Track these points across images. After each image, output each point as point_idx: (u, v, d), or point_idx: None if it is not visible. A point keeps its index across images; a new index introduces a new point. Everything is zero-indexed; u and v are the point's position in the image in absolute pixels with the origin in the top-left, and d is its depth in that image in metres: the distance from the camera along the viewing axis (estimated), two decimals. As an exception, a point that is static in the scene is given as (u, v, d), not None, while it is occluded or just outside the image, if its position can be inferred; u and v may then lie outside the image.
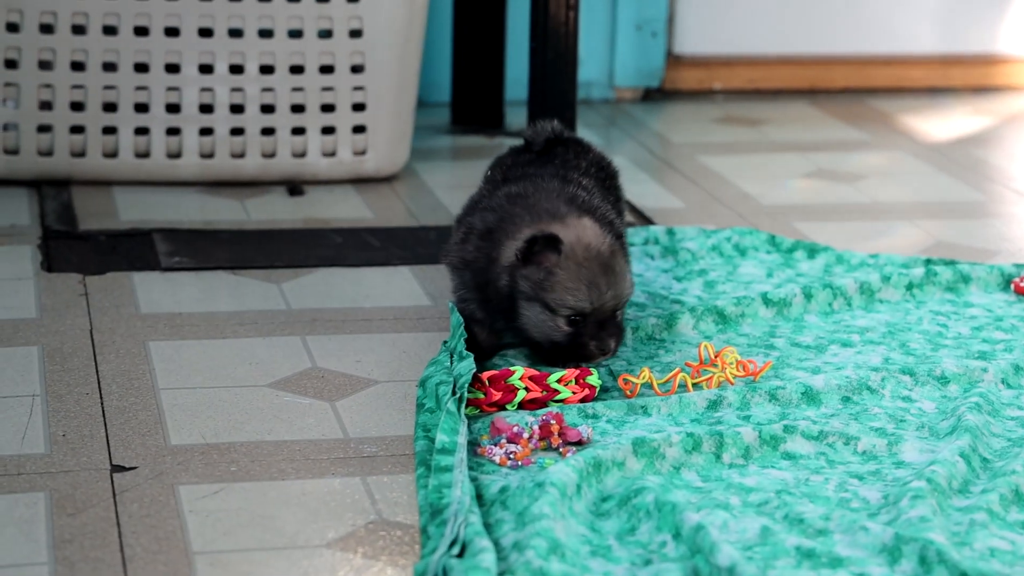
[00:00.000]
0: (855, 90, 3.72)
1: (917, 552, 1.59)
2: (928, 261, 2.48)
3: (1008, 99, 3.69)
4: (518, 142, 2.31)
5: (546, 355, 2.04)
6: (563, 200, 2.09)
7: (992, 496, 1.72)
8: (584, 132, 3.25)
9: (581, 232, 2.01)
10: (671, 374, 2.02)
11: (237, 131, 2.85)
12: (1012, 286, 2.40)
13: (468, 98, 3.32)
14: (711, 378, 2.03)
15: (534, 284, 1.99)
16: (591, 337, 2.00)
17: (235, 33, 2.82)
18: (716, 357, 2.05)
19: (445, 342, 2.12)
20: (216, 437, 1.88)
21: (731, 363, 2.04)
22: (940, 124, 3.46)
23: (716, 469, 1.82)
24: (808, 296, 2.32)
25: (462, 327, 2.12)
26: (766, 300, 2.29)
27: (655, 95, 3.65)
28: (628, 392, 2.01)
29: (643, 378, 2.00)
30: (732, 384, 2.01)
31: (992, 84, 3.76)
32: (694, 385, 2.02)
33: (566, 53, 2.80)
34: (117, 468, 1.80)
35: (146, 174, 2.85)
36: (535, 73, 2.82)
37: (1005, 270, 2.42)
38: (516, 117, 3.27)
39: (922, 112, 3.56)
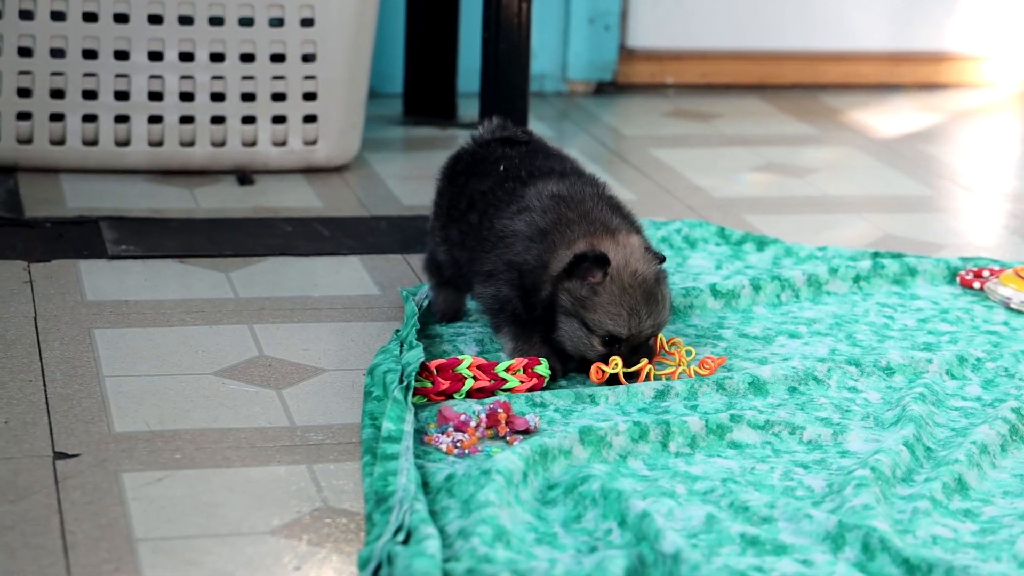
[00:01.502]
0: (805, 86, 3.74)
1: (860, 539, 1.60)
2: (875, 254, 2.50)
3: (956, 96, 3.71)
4: (471, 132, 2.29)
5: (577, 366, 2.02)
6: (609, 207, 2.05)
7: (935, 485, 1.74)
8: (537, 125, 3.25)
9: (629, 254, 1.98)
10: (639, 366, 2.01)
11: (187, 119, 2.84)
12: (958, 279, 2.42)
13: (420, 89, 3.31)
14: (673, 372, 2.03)
15: (575, 300, 1.97)
16: (623, 361, 1.98)
17: (185, 20, 2.80)
18: (669, 346, 2.06)
19: (397, 331, 2.12)
20: (161, 425, 1.87)
21: (687, 357, 2.04)
22: (889, 120, 3.48)
23: (662, 458, 1.83)
24: (756, 288, 2.33)
25: (415, 317, 2.12)
26: (714, 292, 2.30)
27: (608, 88, 3.65)
28: (595, 380, 2.01)
29: (613, 366, 1.99)
30: (692, 377, 2.02)
31: (940, 81, 3.79)
32: (656, 378, 2.02)
33: (519, 45, 2.80)
34: (60, 455, 1.78)
35: (94, 162, 2.82)
36: (487, 65, 2.81)
37: (951, 263, 2.44)
38: (468, 108, 3.27)
39: (871, 108, 3.58)
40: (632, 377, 1.99)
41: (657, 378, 2.02)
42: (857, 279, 2.39)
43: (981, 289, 2.39)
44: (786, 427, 1.89)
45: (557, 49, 3.61)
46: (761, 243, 2.55)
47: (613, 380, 1.99)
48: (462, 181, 2.18)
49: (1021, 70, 3.82)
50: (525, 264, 2.02)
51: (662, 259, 2.01)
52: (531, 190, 2.08)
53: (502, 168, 2.13)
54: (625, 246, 1.99)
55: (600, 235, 2.00)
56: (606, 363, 1.98)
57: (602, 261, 1.95)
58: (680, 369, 2.03)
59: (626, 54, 3.65)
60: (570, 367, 2.04)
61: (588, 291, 1.96)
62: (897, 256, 2.49)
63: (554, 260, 1.99)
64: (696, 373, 2.03)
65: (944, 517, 1.69)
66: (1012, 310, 2.31)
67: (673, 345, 2.06)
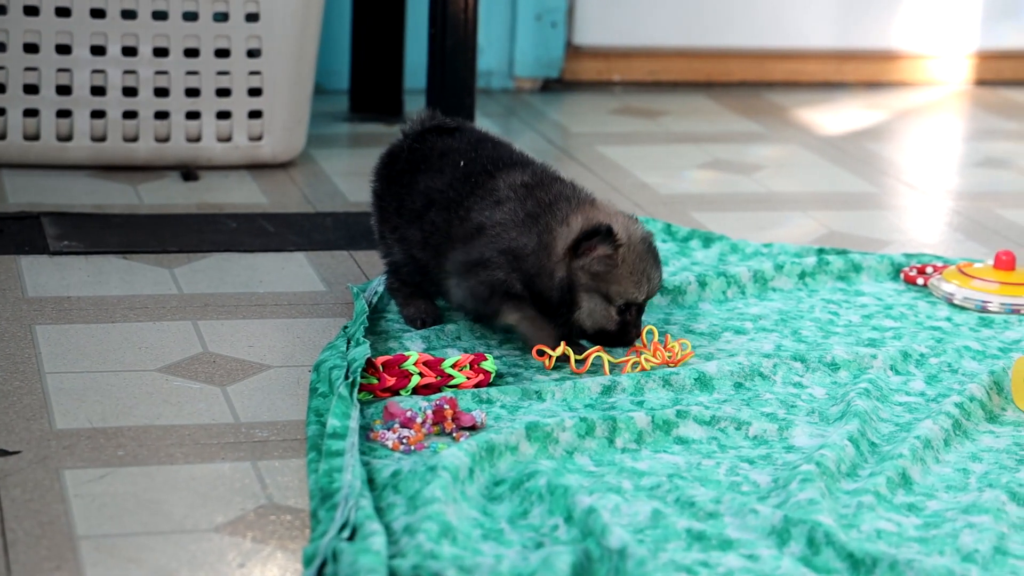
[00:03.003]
0: (752, 83, 3.76)
1: (805, 534, 1.60)
2: (820, 251, 2.51)
3: (900, 94, 3.74)
4: (400, 127, 2.25)
5: (591, 339, 2.05)
6: (571, 184, 2.10)
7: (879, 479, 1.75)
8: (483, 121, 3.24)
9: (622, 221, 2.03)
10: (589, 351, 2.03)
11: (130, 114, 2.81)
12: (902, 275, 2.43)
13: (367, 85, 3.30)
14: (628, 361, 2.04)
15: (594, 275, 2.00)
16: (633, 325, 2.04)
17: (128, 15, 2.78)
18: (657, 345, 2.07)
19: (345, 327, 2.11)
20: (103, 421, 1.85)
21: (665, 347, 2.06)
22: (834, 118, 3.50)
23: (609, 454, 1.83)
24: (702, 284, 2.33)
25: (365, 315, 2.11)
26: (660, 288, 2.30)
27: (555, 85, 3.65)
28: (545, 363, 2.02)
29: (560, 351, 2.00)
30: (647, 369, 2.02)
31: (885, 79, 3.81)
32: (611, 365, 2.02)
33: (465, 41, 2.80)
34: (0, 452, 1.76)
35: (35, 157, 2.79)
36: (434, 61, 2.80)
37: (895, 260, 2.46)
38: (415, 105, 3.26)
39: (817, 106, 3.60)
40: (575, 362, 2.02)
41: (614, 367, 2.02)
42: (802, 275, 2.40)
43: (925, 285, 2.40)
44: (732, 423, 1.90)
45: (504, 46, 3.60)
46: (707, 240, 2.56)
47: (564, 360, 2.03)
48: (407, 179, 2.16)
49: (965, 68, 3.86)
50: (524, 248, 2.02)
51: (635, 218, 2.08)
52: (501, 182, 2.08)
53: (462, 164, 2.12)
54: (612, 214, 2.04)
55: (586, 208, 2.04)
56: (623, 331, 2.03)
57: (610, 234, 1.99)
58: (634, 359, 2.03)
59: (573, 51, 3.66)
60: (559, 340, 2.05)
61: (603, 265, 2.00)
62: (842, 253, 2.50)
63: (555, 240, 2.01)
64: (651, 364, 2.03)
65: (888, 511, 1.70)
66: (955, 306, 2.33)
67: (650, 337, 2.07)
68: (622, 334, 2.04)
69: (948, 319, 2.28)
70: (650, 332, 2.08)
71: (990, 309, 2.31)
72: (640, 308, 2.05)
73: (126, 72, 2.79)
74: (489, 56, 3.58)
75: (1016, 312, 2.31)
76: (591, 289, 2.01)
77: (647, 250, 2.03)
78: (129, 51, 2.78)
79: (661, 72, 3.71)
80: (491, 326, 2.11)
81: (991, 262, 2.40)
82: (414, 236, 2.13)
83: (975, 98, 3.75)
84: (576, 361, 2.03)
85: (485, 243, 2.05)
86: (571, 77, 3.67)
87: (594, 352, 2.04)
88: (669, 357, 2.06)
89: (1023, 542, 1.65)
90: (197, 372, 2.01)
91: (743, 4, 3.72)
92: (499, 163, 2.12)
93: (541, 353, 2.03)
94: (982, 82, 3.85)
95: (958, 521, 1.67)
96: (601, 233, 1.98)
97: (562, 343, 2.02)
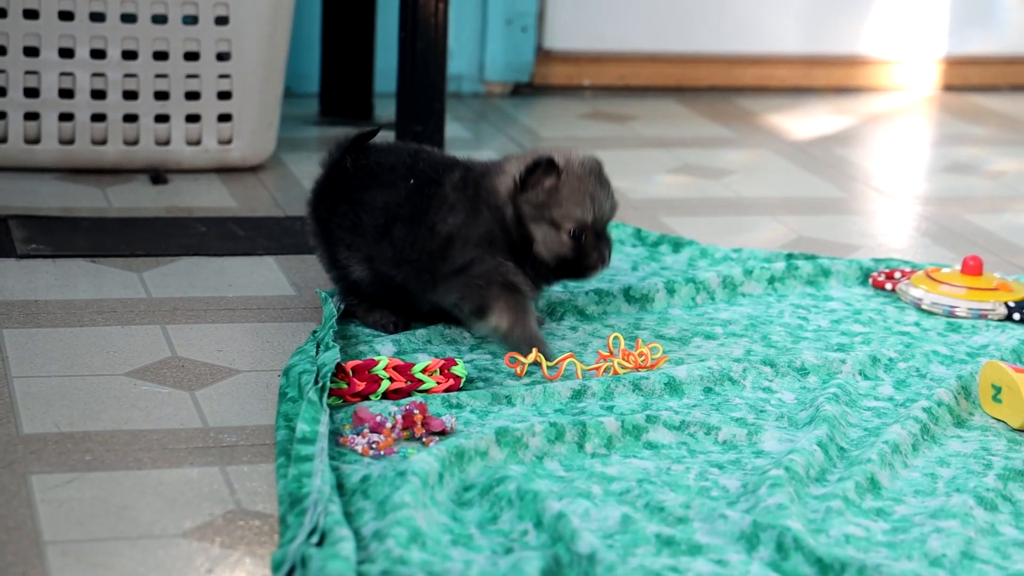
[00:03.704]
0: (722, 88, 3.77)
1: (774, 539, 1.61)
2: (789, 256, 2.52)
3: (869, 99, 3.76)
4: (323, 159, 2.23)
5: (555, 273, 2.08)
6: (494, 160, 2.16)
7: (848, 484, 1.75)
8: (453, 126, 3.24)
9: (564, 152, 2.08)
10: (560, 357, 2.03)
11: (99, 117, 2.80)
12: (870, 280, 2.44)
13: (337, 89, 3.29)
14: (600, 367, 2.04)
15: (537, 206, 2.05)
16: (592, 248, 2.06)
17: (97, 17, 2.76)
18: (631, 350, 2.07)
19: (314, 331, 2.10)
20: (71, 426, 1.84)
21: (637, 353, 2.06)
22: (803, 123, 3.51)
23: (579, 458, 1.83)
24: (671, 291, 2.34)
25: (334, 319, 2.10)
26: (628, 296, 2.31)
27: (525, 90, 3.66)
28: (517, 371, 2.01)
29: (532, 358, 2.00)
30: (619, 373, 2.02)
31: (854, 84, 3.83)
32: (583, 372, 2.03)
33: (436, 45, 2.79)
34: (-34, 458, 1.75)
35: (3, 159, 2.77)
36: (404, 65, 2.80)
37: (864, 264, 2.47)
38: (385, 108, 3.25)
39: (786, 111, 3.61)
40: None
41: (587, 373, 2.02)
42: (772, 280, 2.41)
43: (893, 290, 2.41)
44: (701, 427, 1.90)
45: (474, 50, 3.60)
46: (677, 245, 2.56)
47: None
48: (360, 196, 2.13)
49: (932, 74, 3.88)
50: (485, 224, 2.06)
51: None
52: (447, 187, 2.10)
53: (411, 181, 2.12)
54: (560, 150, 2.09)
55: (515, 157, 2.10)
56: (580, 256, 2.05)
57: (551, 165, 2.04)
58: (606, 364, 2.04)
59: (543, 55, 3.66)
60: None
61: (546, 194, 2.05)
62: (811, 258, 2.51)
63: (498, 189, 2.07)
64: (625, 369, 2.04)
65: (856, 516, 1.71)
66: (923, 311, 2.34)
67: (618, 342, 2.07)
68: (580, 259, 2.07)
69: (916, 324, 2.29)
70: (616, 339, 2.08)
71: (958, 314, 2.32)
72: (597, 233, 2.07)
73: (95, 75, 2.77)
74: (460, 60, 3.58)
75: (983, 317, 2.32)
76: (537, 219, 2.05)
77: (589, 172, 2.08)
78: (98, 54, 2.77)
79: (631, 77, 3.72)
80: (485, 327, 2.10)
81: (959, 267, 2.41)
82: (383, 253, 2.12)
83: (943, 103, 3.77)
84: (548, 367, 2.03)
85: (460, 248, 2.07)
86: (541, 81, 3.67)
87: (566, 359, 2.03)
88: (643, 361, 2.06)
89: (990, 547, 1.66)
90: (166, 376, 2.00)
91: (713, 9, 3.73)
92: (439, 169, 2.14)
93: (513, 360, 2.03)
94: (950, 87, 3.87)
95: (926, 526, 1.68)
96: (542, 164, 2.04)
97: (534, 350, 2.02)
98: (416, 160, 2.15)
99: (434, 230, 2.09)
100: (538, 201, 2.05)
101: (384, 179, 2.14)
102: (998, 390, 1.98)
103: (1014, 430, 1.96)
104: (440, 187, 2.10)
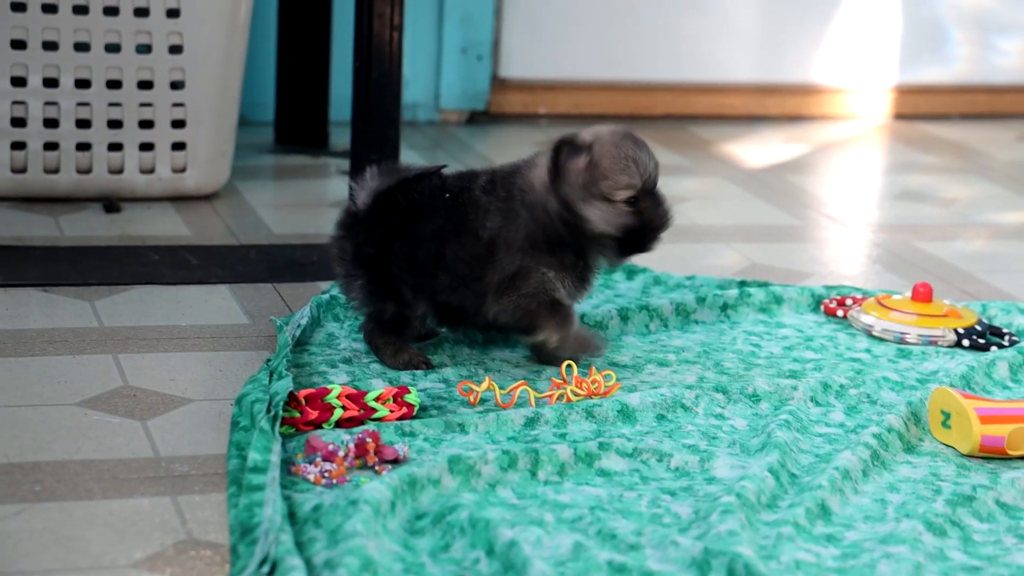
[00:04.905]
0: (676, 116, 3.79)
1: (726, 565, 1.61)
2: (742, 283, 2.53)
3: (822, 127, 3.79)
4: (342, 162, 2.25)
5: (622, 247, 2.07)
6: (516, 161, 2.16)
7: (799, 510, 1.76)
8: (409, 154, 3.25)
9: (590, 129, 2.06)
10: (514, 385, 2.03)
11: (51, 146, 2.79)
12: (822, 307, 2.46)
13: (292, 117, 3.29)
14: (553, 395, 2.04)
15: (582, 186, 2.03)
16: (653, 210, 2.05)
17: (49, 46, 2.75)
18: (584, 379, 2.07)
19: (268, 360, 2.09)
20: (20, 456, 1.83)
21: (590, 380, 2.06)
22: (757, 151, 3.54)
23: (531, 486, 1.83)
24: (624, 318, 2.35)
25: (288, 348, 2.10)
26: (581, 324, 2.31)
27: (480, 118, 3.67)
28: (471, 399, 2.01)
29: (485, 386, 2.01)
30: (572, 401, 2.03)
31: (807, 113, 3.86)
32: (536, 400, 2.03)
33: (390, 73, 2.80)
34: (-86, 489, 1.74)
35: (-46, 188, 2.76)
36: (359, 93, 2.81)
37: (815, 291, 2.49)
38: (340, 137, 3.26)
39: (740, 139, 3.64)
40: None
41: (540, 400, 2.02)
42: (724, 308, 2.42)
43: (844, 317, 2.43)
44: (654, 454, 1.91)
45: (430, 78, 3.61)
46: (631, 272, 2.57)
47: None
48: (410, 232, 2.10)
49: (884, 102, 3.91)
50: (523, 222, 2.05)
51: None
52: (477, 192, 2.11)
53: (447, 195, 2.12)
54: (581, 132, 2.06)
55: (545, 151, 2.07)
56: (644, 222, 2.04)
57: (572, 143, 2.03)
58: (559, 392, 2.04)
59: (499, 84, 3.67)
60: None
61: (586, 172, 2.03)
62: (763, 285, 2.52)
63: (534, 184, 2.06)
64: (578, 396, 2.04)
65: (807, 542, 1.71)
66: (874, 338, 2.36)
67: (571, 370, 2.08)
68: (644, 224, 2.05)
69: (867, 350, 2.31)
70: (569, 367, 2.08)
71: (908, 340, 2.34)
72: (651, 195, 2.05)
73: (47, 103, 2.77)
74: (415, 88, 3.59)
75: (933, 343, 2.34)
76: (587, 199, 2.04)
77: (624, 138, 2.05)
78: (50, 82, 2.76)
79: (585, 105, 3.74)
80: (536, 340, 2.13)
81: (909, 294, 2.43)
82: (441, 283, 2.11)
83: (894, 132, 3.80)
84: (502, 395, 2.03)
85: (504, 252, 2.08)
86: (497, 110, 3.68)
87: (519, 387, 2.04)
88: (596, 388, 2.07)
89: (939, 572, 1.67)
90: (117, 406, 1.99)
91: (666, 38, 3.75)
92: (466, 177, 2.15)
93: (467, 389, 2.03)
94: (900, 116, 3.91)
95: (876, 551, 1.69)
96: (565, 146, 2.02)
97: (487, 378, 2.02)
98: (444, 178, 2.16)
99: (477, 236, 2.09)
100: (581, 182, 2.03)
101: (427, 207, 2.12)
102: (947, 416, 2.00)
103: (963, 456, 1.97)
104: (471, 192, 2.11)
